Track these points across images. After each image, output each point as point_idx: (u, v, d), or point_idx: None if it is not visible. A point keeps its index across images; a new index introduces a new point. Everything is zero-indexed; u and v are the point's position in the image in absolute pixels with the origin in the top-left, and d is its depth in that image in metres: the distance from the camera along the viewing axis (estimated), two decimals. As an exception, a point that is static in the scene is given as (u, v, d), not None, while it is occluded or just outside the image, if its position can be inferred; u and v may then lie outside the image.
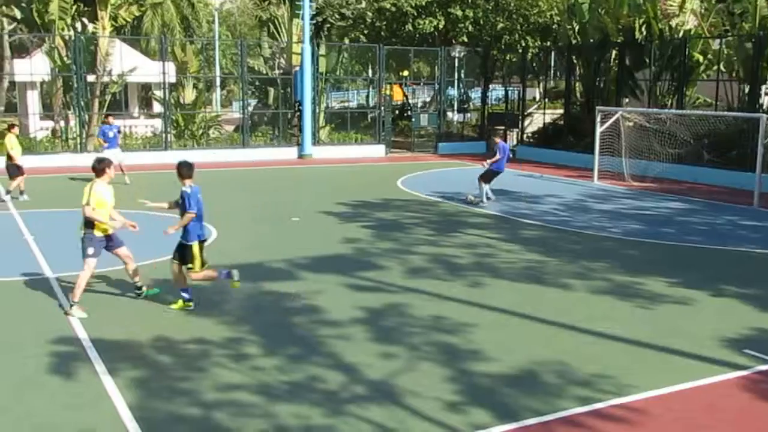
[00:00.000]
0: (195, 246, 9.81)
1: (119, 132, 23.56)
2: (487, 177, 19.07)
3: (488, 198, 19.04)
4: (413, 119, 35.53)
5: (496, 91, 44.40)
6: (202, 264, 9.91)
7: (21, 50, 37.66)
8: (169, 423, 6.63)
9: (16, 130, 19.51)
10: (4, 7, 31.58)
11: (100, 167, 9.83)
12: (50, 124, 31.13)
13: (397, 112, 41.26)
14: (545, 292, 11.02)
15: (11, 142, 18.72)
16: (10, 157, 18.60)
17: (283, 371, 7.76)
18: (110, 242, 9.97)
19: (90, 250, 9.69)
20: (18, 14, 31.68)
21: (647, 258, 13.32)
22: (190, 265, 9.80)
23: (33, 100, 33.14)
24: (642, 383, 7.52)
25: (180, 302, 9.90)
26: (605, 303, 10.46)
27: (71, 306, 9.64)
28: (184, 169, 9.96)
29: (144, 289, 10.39)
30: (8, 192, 18.70)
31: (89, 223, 9.65)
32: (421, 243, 14.24)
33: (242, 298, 10.52)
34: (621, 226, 16.17)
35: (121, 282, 11.19)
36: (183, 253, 9.83)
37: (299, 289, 10.82)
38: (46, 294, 10.55)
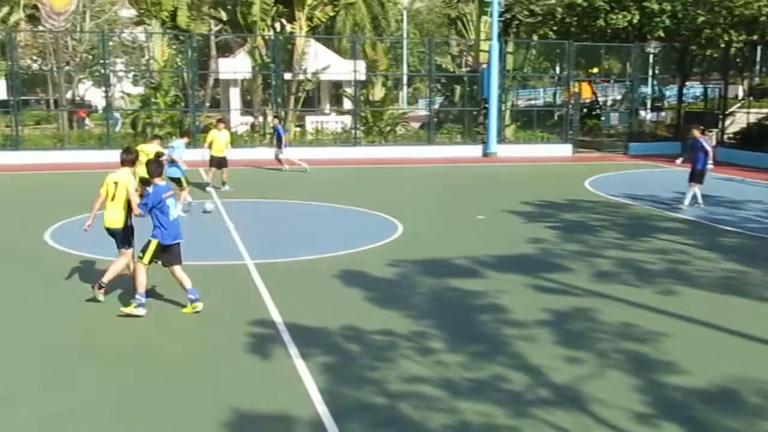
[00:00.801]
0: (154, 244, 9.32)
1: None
2: (697, 177, 17.91)
3: (696, 202, 17.89)
4: (603, 118, 34.46)
5: (694, 89, 42.08)
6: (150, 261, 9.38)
7: (225, 50, 40.25)
8: (356, 410, 6.84)
9: (221, 125, 20.76)
10: (212, 10, 33.81)
11: (129, 158, 9.94)
12: (249, 119, 33.03)
13: (585, 110, 40.13)
14: (744, 304, 10.32)
15: (213, 135, 19.95)
16: (216, 150, 19.85)
17: (467, 368, 7.79)
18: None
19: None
20: (224, 16, 33.83)
21: None
22: (140, 254, 9.40)
23: (235, 96, 35.30)
24: None
25: (189, 306, 9.47)
26: (815, 319, 9.64)
27: (100, 287, 9.67)
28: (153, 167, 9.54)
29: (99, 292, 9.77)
30: (209, 184, 19.98)
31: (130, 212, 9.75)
32: (609, 246, 13.79)
33: (428, 293, 10.66)
34: (834, 237, 14.84)
35: (314, 270, 11.70)
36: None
37: (485, 288, 10.81)
38: (245, 278, 11.21)
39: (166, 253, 9.40)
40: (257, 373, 7.65)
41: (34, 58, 51.74)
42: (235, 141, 29.91)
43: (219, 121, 21.54)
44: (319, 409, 6.80)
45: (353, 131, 31.05)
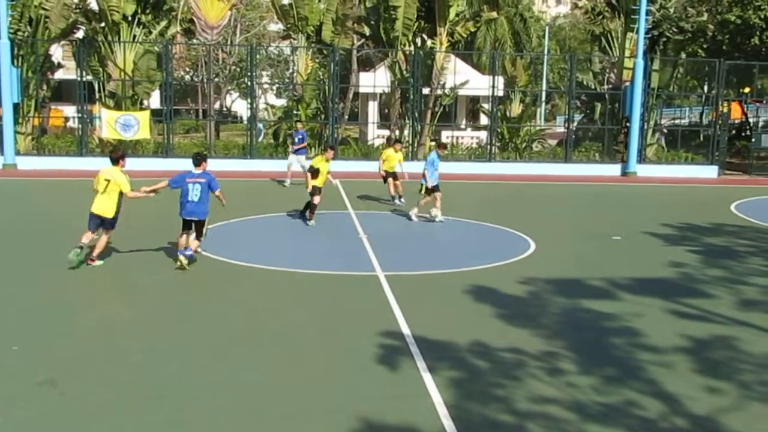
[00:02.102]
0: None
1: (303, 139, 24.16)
2: None
3: None
4: (753, 139, 32.69)
5: None
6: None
7: (366, 64, 41.06)
8: (483, 427, 6.80)
9: (398, 146, 20.89)
10: (356, 25, 34.60)
11: (116, 156, 12.26)
12: (386, 132, 33.52)
13: (734, 131, 38.28)
14: None
15: (386, 154, 20.19)
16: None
17: (598, 391, 7.59)
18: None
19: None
20: (367, 31, 34.53)
21: None
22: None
23: (373, 110, 35.94)
24: None
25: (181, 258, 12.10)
26: None
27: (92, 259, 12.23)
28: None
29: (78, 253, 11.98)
30: (397, 197, 20.02)
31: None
32: (755, 273, 13.06)
33: (560, 313, 10.47)
34: None
35: (445, 284, 11.74)
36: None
37: (619, 311, 10.49)
38: (376, 290, 11.38)
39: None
40: (386, 384, 7.74)
41: (187, 69, 54.74)
42: (372, 153, 30.55)
43: (396, 142, 22.05)
44: (445, 423, 6.80)
45: (489, 147, 30.92)
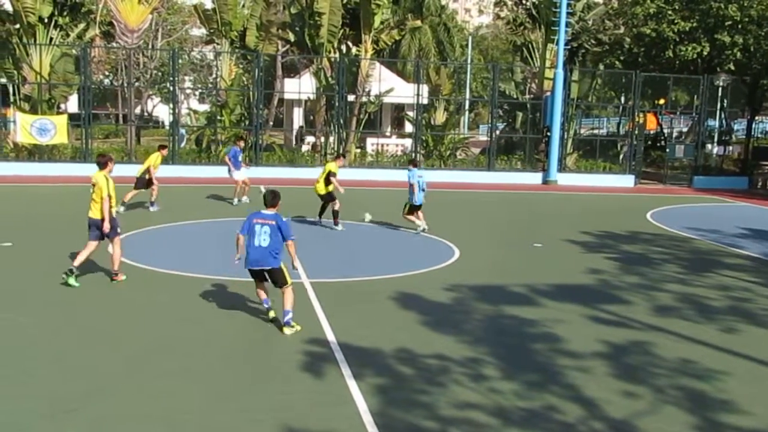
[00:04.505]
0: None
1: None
2: None
3: None
4: (668, 150, 33.89)
5: (764, 124, 41.10)
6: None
7: (291, 70, 40.89)
8: (407, 433, 6.84)
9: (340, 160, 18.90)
10: (280, 31, 34.44)
11: (102, 161, 11.79)
12: (311, 139, 33.45)
13: (649, 141, 39.58)
14: (812, 346, 9.98)
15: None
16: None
17: (520, 396, 7.72)
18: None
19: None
20: (292, 37, 34.43)
21: None
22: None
23: (298, 116, 35.83)
24: None
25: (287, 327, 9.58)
26: None
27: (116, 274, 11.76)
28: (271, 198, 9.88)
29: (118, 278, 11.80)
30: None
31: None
32: (669, 280, 13.52)
33: (483, 320, 10.60)
34: None
35: (369, 291, 11.75)
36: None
37: (541, 317, 10.70)
38: (301, 297, 11.26)
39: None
40: (310, 392, 7.69)
41: (106, 73, 53.48)
42: (296, 160, 30.42)
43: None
44: (370, 430, 6.81)
45: (414, 154, 31.17)
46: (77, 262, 11.53)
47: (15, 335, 9.19)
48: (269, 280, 9.83)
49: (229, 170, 21.10)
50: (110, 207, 11.61)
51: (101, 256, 12.33)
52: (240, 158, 21.13)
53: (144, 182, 19.64)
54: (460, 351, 9.06)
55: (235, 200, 21.06)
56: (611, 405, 7.57)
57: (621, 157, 32.43)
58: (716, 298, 12.32)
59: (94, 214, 11.62)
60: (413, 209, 17.16)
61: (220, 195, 22.26)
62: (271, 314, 9.85)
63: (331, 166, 17.52)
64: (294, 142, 35.28)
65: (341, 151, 26.28)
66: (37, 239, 12.64)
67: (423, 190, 17.12)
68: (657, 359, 9.07)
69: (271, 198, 9.80)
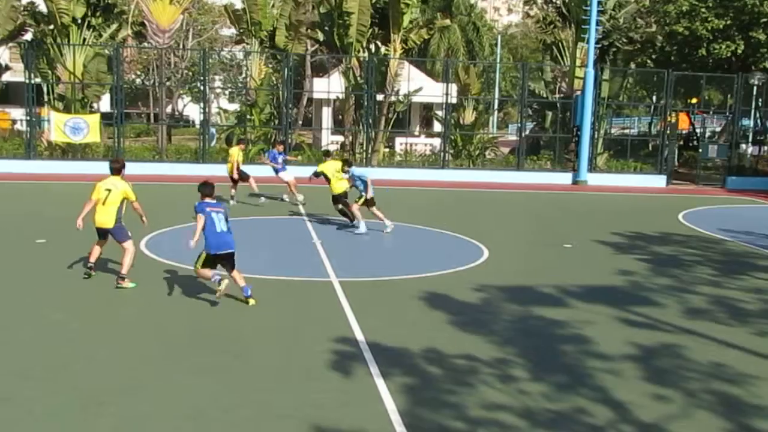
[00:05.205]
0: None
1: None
2: None
3: None
4: (701, 150, 33.45)
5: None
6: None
7: (320, 70, 41.03)
8: (434, 433, 6.82)
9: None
10: (309, 31, 34.55)
11: (117, 167, 11.68)
12: (340, 138, 33.51)
13: (681, 141, 39.13)
14: None
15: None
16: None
17: (548, 398, 7.67)
18: None
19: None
20: (321, 37, 34.53)
21: None
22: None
23: (327, 116, 35.92)
24: None
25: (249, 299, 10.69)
26: None
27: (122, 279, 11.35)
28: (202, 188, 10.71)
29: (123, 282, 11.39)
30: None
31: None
32: (701, 282, 13.34)
33: (512, 320, 10.55)
34: None
35: (398, 291, 11.75)
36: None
37: (570, 318, 10.63)
38: (330, 295, 11.34)
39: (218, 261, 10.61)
40: (338, 390, 7.71)
41: (138, 73, 54.04)
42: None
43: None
44: (397, 429, 6.80)
45: (442, 154, 31.11)
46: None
47: (50, 330, 9.32)
48: (226, 263, 10.60)
49: (276, 171, 21.06)
50: (123, 213, 11.48)
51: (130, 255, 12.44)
52: (280, 160, 21.13)
53: (242, 176, 20.46)
54: (489, 351, 9.02)
55: (300, 197, 20.62)
56: (641, 408, 7.49)
57: (660, 157, 31.92)
58: (750, 301, 12.13)
59: (106, 222, 11.35)
60: (368, 203, 16.53)
61: (256, 193, 22.36)
62: (223, 284, 10.35)
63: (337, 165, 17.05)
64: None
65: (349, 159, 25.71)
66: (69, 236, 12.80)
67: (364, 182, 16.52)
68: (688, 362, 8.96)
69: (211, 188, 10.76)
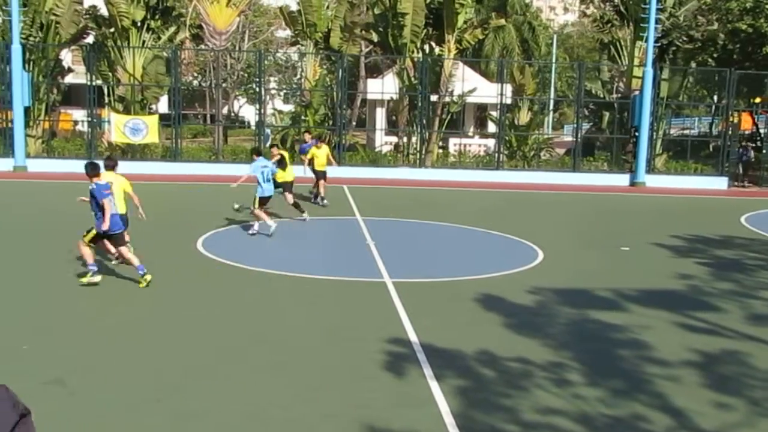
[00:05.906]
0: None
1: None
2: None
3: None
4: (765, 150, 32.55)
5: None
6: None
7: (374, 71, 41.10)
8: (489, 437, 6.75)
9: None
10: (364, 32, 34.65)
11: (110, 164, 12.34)
12: (394, 139, 33.53)
13: (744, 142, 38.09)
14: None
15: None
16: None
17: (605, 404, 7.52)
18: None
19: None
20: (375, 38, 34.59)
21: None
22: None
23: (381, 116, 35.96)
24: None
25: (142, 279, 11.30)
26: None
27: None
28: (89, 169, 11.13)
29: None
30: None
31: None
32: (765, 287, 12.95)
33: (567, 324, 10.40)
34: None
35: (452, 292, 11.69)
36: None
37: (627, 322, 10.43)
38: (384, 296, 11.34)
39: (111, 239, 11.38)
40: (392, 391, 7.69)
41: (195, 75, 54.93)
42: (378, 160, 30.54)
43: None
44: (450, 431, 6.75)
45: (496, 155, 30.88)
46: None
47: (106, 328, 9.51)
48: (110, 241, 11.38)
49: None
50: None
51: (188, 252, 12.61)
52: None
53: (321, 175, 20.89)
54: (543, 355, 8.90)
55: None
56: (702, 416, 7.29)
57: (721, 158, 31.12)
58: (816, 306, 11.75)
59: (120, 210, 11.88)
60: (263, 202, 15.84)
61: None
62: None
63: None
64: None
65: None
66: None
67: (268, 180, 15.82)
68: (752, 370, 8.70)
69: (98, 167, 11.25)
